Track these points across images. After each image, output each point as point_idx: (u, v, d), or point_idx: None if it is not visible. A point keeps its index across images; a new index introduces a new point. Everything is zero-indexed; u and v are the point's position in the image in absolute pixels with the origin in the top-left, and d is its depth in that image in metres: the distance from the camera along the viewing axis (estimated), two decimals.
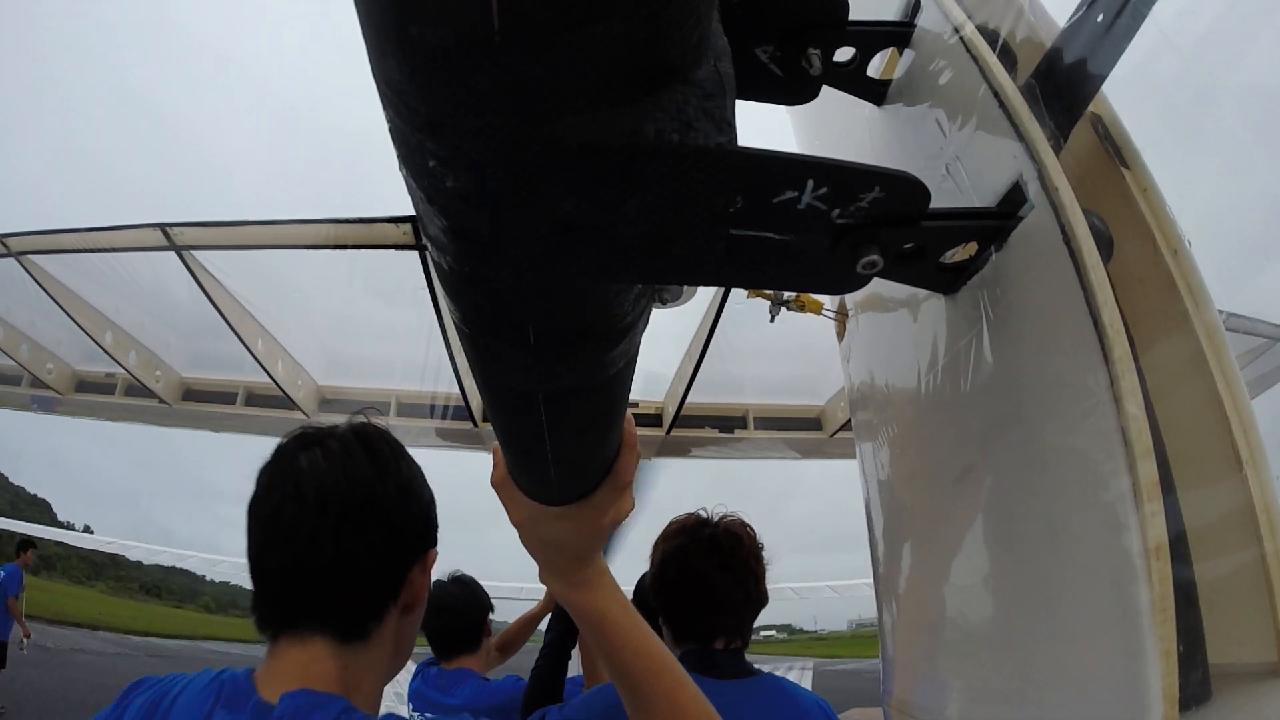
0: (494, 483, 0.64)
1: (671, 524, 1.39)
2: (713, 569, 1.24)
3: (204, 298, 3.16)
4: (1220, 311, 0.53)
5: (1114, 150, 0.55)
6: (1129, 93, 0.56)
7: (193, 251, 3.03)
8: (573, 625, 1.55)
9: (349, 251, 2.86)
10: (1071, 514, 0.43)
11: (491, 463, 0.65)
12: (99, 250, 3.14)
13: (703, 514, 1.37)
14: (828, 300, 1.08)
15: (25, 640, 8.81)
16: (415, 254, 2.72)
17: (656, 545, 1.39)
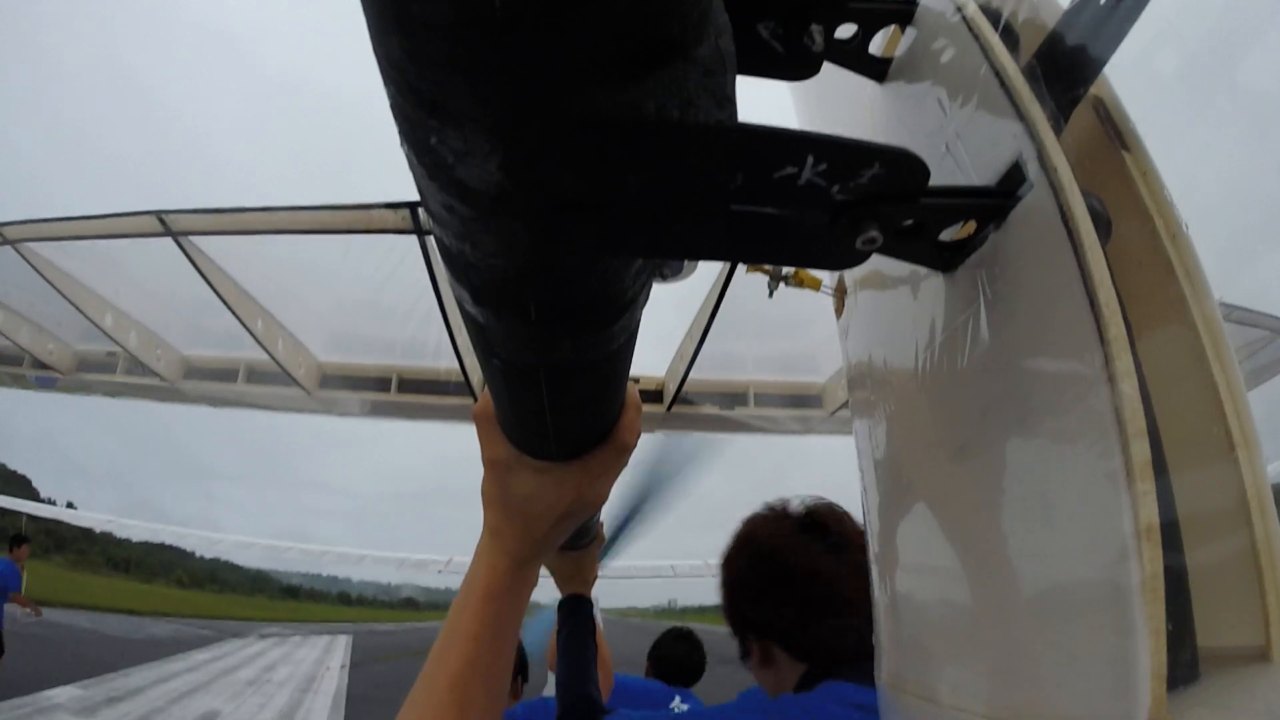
0: (475, 414, 0.61)
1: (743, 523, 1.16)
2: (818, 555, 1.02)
3: (202, 280, 3.17)
4: (1220, 304, 0.53)
5: (1114, 133, 0.55)
6: (1131, 76, 0.56)
7: (190, 237, 3.04)
8: (582, 616, 1.35)
9: (347, 236, 2.87)
10: (1064, 492, 0.43)
11: None
12: (94, 237, 3.15)
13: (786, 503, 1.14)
14: (826, 277, 1.07)
15: (35, 616, 9.42)
16: (414, 239, 2.73)
17: (729, 552, 1.16)
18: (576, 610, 1.35)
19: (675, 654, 3.33)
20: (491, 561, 0.62)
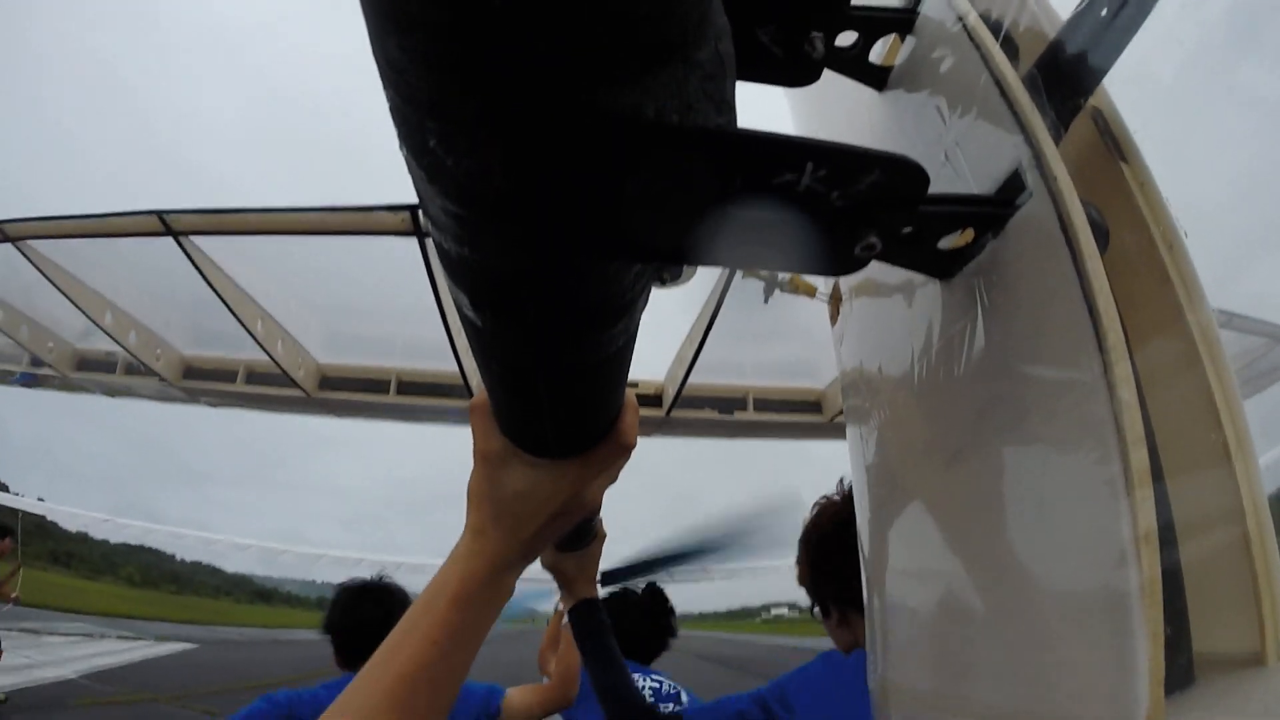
0: (472, 407, 0.58)
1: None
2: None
3: (202, 280, 3.18)
4: (1220, 311, 0.53)
5: (1113, 144, 0.56)
6: (1130, 87, 0.56)
7: (190, 237, 3.05)
8: (600, 622, 1.34)
9: (347, 238, 2.88)
10: (1062, 499, 0.43)
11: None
12: (95, 236, 3.16)
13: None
14: (821, 283, 1.08)
15: (11, 603, 9.24)
16: (414, 240, 2.74)
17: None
18: (592, 617, 1.33)
19: (628, 626, 2.51)
20: (469, 564, 0.58)
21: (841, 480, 1.39)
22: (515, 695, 2.09)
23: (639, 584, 2.57)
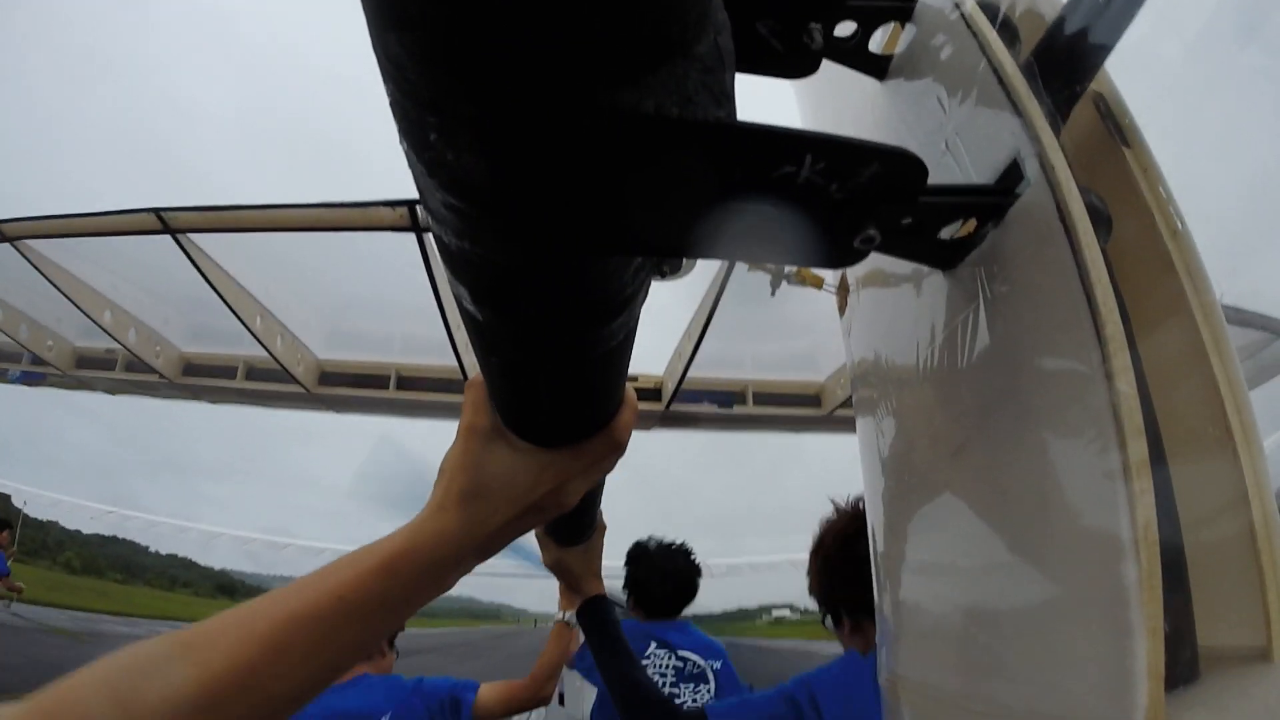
0: (470, 382, 0.55)
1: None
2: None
3: (201, 278, 3.18)
4: (1224, 306, 0.53)
5: (1115, 129, 0.55)
6: (1133, 71, 0.56)
7: (188, 235, 3.05)
8: (613, 622, 1.34)
9: (346, 234, 2.88)
10: (1062, 491, 0.43)
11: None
12: (93, 234, 3.16)
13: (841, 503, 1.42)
14: (829, 275, 1.08)
15: (16, 595, 9.42)
16: (412, 236, 2.74)
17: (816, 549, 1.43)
18: (602, 613, 1.31)
19: (667, 572, 2.48)
20: (412, 537, 0.52)
21: (849, 496, 1.42)
22: (485, 692, 2.06)
23: (663, 541, 2.62)
